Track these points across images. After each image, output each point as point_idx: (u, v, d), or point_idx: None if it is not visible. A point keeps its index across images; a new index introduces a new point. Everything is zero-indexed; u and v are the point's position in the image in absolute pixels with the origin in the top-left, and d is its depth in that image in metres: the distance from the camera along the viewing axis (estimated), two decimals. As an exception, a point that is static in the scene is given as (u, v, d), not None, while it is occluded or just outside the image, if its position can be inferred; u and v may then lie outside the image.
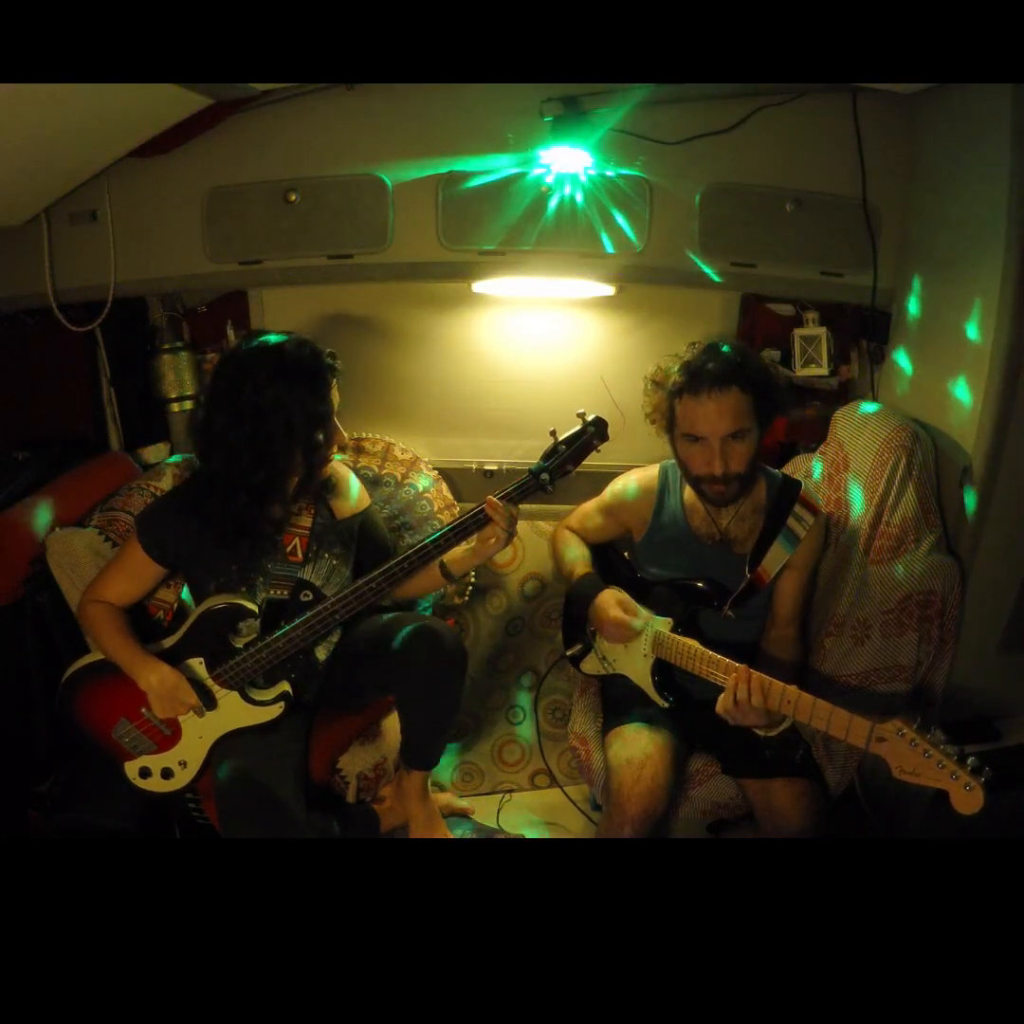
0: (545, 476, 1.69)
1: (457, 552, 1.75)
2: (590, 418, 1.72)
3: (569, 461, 1.71)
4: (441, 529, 1.71)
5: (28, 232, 2.05)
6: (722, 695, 1.57)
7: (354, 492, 1.90)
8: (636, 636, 1.81)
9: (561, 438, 1.71)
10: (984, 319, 1.69)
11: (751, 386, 1.67)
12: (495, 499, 1.67)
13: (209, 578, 1.75)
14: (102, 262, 2.09)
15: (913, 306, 2.00)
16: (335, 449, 1.75)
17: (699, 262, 2.09)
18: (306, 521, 1.79)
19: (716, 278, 2.11)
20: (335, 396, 1.71)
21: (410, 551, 1.70)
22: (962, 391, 1.76)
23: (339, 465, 1.89)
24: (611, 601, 1.81)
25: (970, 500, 1.72)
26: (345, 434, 1.77)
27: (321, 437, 1.67)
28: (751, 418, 1.69)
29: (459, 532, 1.69)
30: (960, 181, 1.80)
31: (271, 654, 1.70)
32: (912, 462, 1.78)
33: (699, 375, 1.66)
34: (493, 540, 1.70)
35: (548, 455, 1.71)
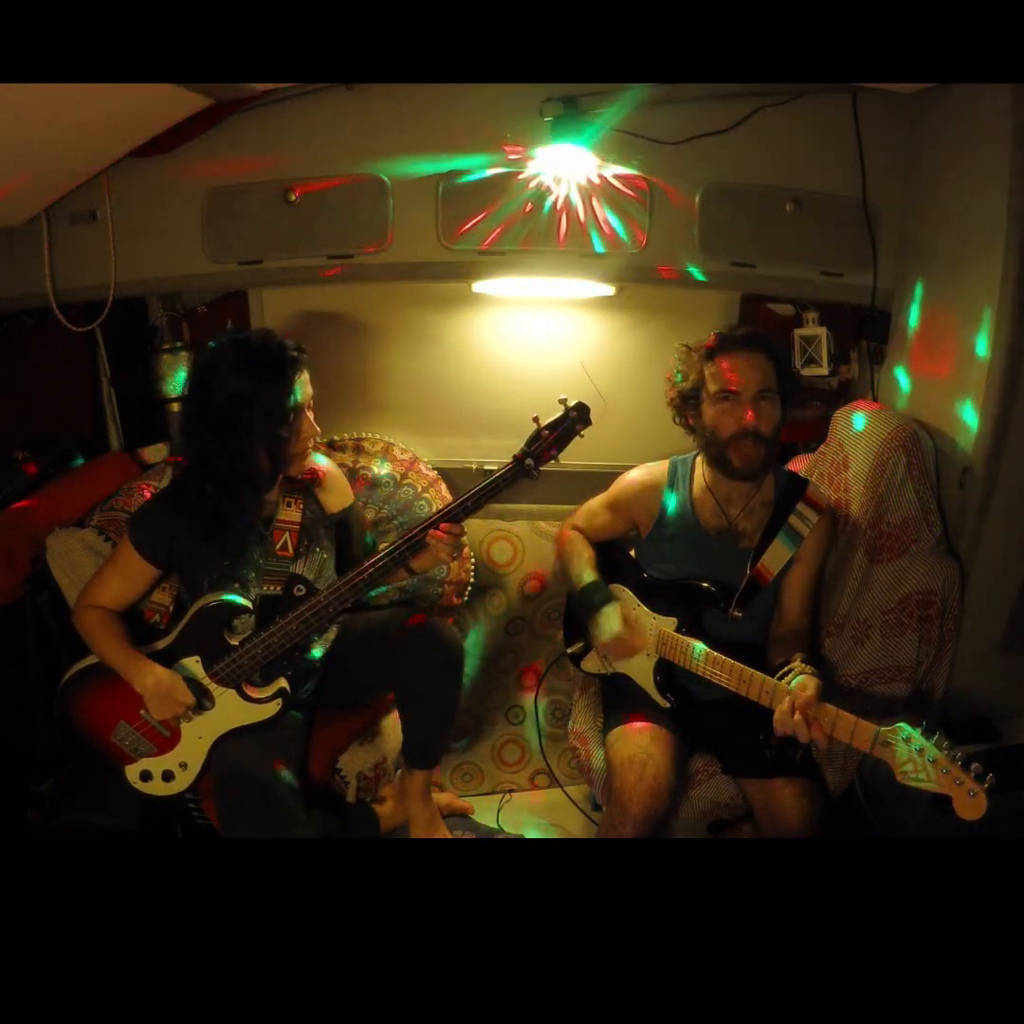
0: (529, 461, 1.71)
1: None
2: (572, 403, 1.74)
3: (553, 446, 1.73)
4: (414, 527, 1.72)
5: (28, 232, 2.05)
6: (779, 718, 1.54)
7: (342, 487, 1.91)
8: (632, 656, 1.84)
9: (544, 424, 1.73)
10: (984, 320, 1.68)
11: (776, 358, 1.79)
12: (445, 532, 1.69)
13: (201, 575, 1.75)
14: (102, 262, 2.08)
15: (913, 308, 1.99)
16: (310, 442, 1.75)
17: (693, 269, 2.10)
18: (296, 516, 1.79)
19: (701, 278, 2.11)
20: (307, 387, 1.71)
21: (400, 541, 1.71)
22: (962, 393, 1.76)
23: (324, 459, 1.89)
24: (615, 619, 1.81)
25: (969, 500, 1.72)
26: (317, 427, 1.76)
27: (284, 429, 1.67)
28: (776, 385, 1.76)
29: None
30: (960, 181, 1.80)
31: (267, 650, 1.70)
32: (912, 462, 1.78)
33: (732, 337, 1.79)
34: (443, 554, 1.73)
35: (531, 441, 1.73)
